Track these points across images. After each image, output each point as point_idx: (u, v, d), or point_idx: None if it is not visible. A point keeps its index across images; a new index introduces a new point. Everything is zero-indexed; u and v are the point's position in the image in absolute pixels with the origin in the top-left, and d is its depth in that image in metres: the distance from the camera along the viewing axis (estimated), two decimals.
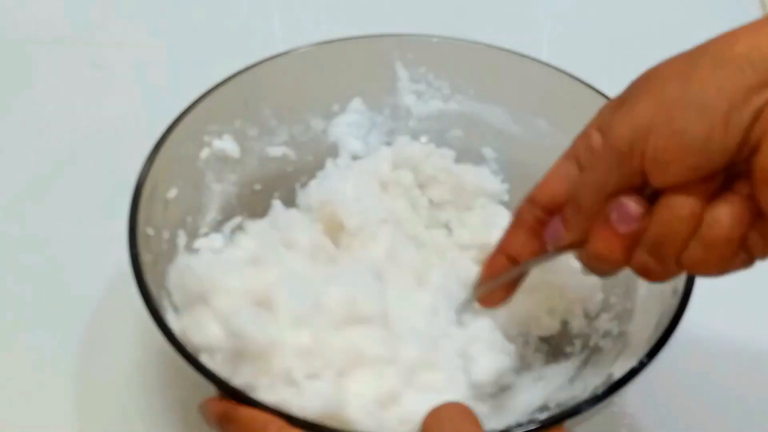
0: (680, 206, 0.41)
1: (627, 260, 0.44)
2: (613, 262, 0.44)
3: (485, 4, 0.85)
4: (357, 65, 0.63)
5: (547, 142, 0.60)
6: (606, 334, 0.54)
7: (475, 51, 0.63)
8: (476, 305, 0.53)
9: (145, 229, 0.51)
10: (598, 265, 0.45)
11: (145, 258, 0.49)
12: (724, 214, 0.40)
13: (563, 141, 0.60)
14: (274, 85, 0.61)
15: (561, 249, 0.47)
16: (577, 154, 0.47)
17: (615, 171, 0.42)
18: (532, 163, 0.62)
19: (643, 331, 0.50)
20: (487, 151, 0.64)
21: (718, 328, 0.60)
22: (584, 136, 0.46)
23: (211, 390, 0.46)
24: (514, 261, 0.50)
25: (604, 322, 0.54)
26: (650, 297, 0.52)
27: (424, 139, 0.65)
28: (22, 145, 0.72)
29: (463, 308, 0.54)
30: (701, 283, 0.48)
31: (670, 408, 0.56)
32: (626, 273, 0.55)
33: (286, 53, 0.61)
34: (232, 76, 0.59)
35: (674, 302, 0.48)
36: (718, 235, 0.40)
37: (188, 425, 0.55)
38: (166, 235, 0.54)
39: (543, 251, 0.49)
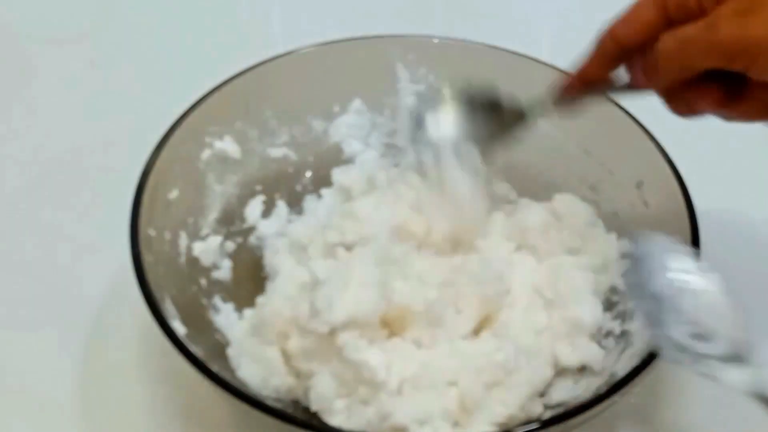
0: None
1: None
2: None
3: (485, 4, 0.85)
4: (357, 66, 0.63)
5: (547, 142, 0.60)
6: (608, 334, 0.54)
7: (476, 51, 0.63)
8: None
9: (147, 230, 0.51)
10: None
11: (147, 258, 0.50)
12: None
13: (563, 141, 0.60)
14: (274, 86, 0.61)
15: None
16: (667, 5, 0.47)
17: (709, 62, 0.44)
18: (532, 164, 0.62)
19: (645, 330, 0.49)
20: None
21: None
22: None
23: (211, 390, 0.46)
24: (586, 85, 0.53)
25: (607, 322, 0.54)
26: None
27: None
28: (22, 146, 0.72)
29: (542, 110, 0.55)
30: None
31: (672, 407, 0.56)
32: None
33: (286, 54, 0.62)
34: (233, 77, 0.59)
35: None
36: None
37: (189, 424, 0.55)
38: (167, 236, 0.54)
39: (611, 82, 0.52)
